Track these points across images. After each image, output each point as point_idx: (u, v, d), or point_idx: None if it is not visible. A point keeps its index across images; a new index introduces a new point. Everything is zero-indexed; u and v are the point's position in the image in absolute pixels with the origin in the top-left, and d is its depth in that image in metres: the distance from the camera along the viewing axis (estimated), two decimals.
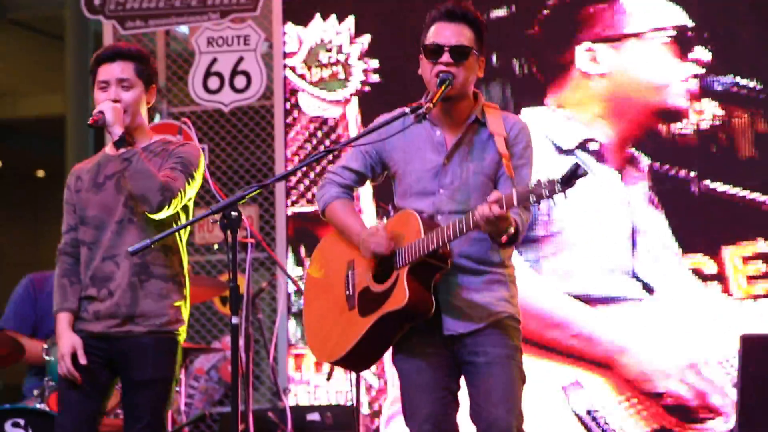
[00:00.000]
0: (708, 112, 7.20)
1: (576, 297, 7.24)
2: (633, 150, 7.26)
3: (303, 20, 7.64)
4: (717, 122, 7.18)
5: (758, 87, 7.15)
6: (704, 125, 7.18)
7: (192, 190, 4.51)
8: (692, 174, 7.18)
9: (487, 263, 4.00)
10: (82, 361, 4.46)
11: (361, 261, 4.04)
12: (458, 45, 3.96)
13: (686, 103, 7.20)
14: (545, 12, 7.54)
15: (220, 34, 7.65)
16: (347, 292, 4.06)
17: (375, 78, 7.47)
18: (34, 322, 6.07)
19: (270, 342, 6.38)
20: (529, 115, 7.37)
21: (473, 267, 3.98)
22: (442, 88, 3.90)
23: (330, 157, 6.52)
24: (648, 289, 7.18)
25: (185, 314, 4.61)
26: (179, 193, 4.42)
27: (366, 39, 7.51)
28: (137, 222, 4.48)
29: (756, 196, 7.10)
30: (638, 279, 7.22)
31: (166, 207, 4.39)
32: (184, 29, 7.96)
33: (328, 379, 6.06)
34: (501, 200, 3.65)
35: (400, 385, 4.06)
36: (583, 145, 7.28)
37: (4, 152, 17.92)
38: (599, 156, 7.25)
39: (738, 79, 7.19)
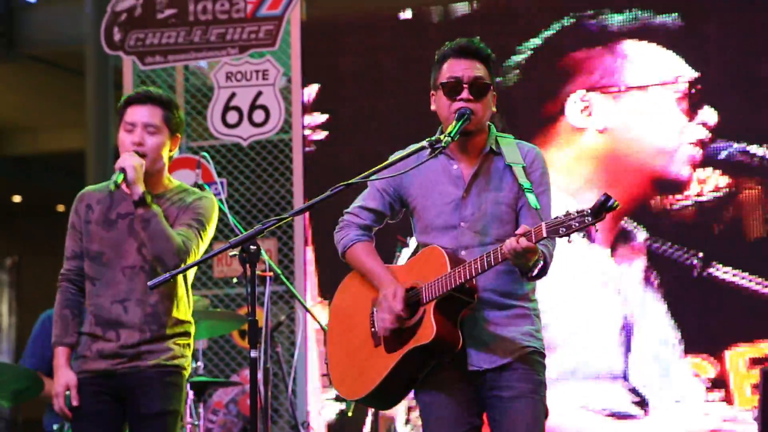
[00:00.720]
0: (712, 183, 6.54)
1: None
2: (627, 223, 6.74)
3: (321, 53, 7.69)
4: (722, 194, 6.59)
5: None
6: (708, 197, 6.58)
7: (205, 244, 4.54)
8: (694, 255, 6.56)
9: (512, 297, 3.98)
10: (75, 402, 4.44)
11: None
12: (477, 81, 3.98)
13: (689, 171, 6.64)
14: (526, 54, 7.15)
15: (238, 68, 7.69)
16: (372, 329, 4.05)
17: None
18: (50, 359, 6.08)
19: (289, 375, 6.38)
20: None
21: (498, 301, 3.96)
22: (461, 122, 3.91)
23: None
24: (643, 403, 6.56)
25: (189, 353, 4.60)
26: (193, 251, 4.44)
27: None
28: (147, 268, 4.48)
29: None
30: (633, 391, 6.54)
31: (181, 266, 4.39)
32: (203, 64, 8.01)
33: (349, 415, 6.05)
34: (529, 234, 3.66)
35: (422, 420, 4.04)
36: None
37: (25, 187, 18.02)
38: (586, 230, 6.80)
39: (748, 146, 6.61)
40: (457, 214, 4.00)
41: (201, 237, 4.51)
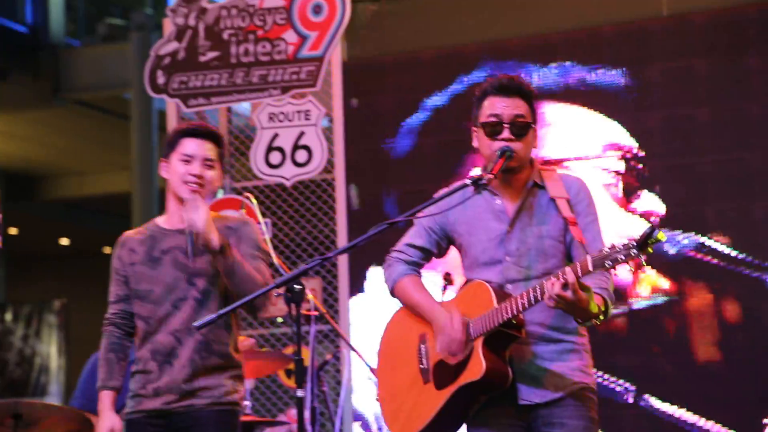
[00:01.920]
0: (655, 287, 5.58)
1: None
2: None
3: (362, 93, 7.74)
4: (664, 301, 5.68)
5: (730, 251, 5.64)
6: (644, 306, 5.64)
7: None
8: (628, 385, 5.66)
9: (561, 331, 3.96)
10: None
11: (434, 335, 4.02)
12: (517, 120, 3.97)
13: (629, 277, 5.75)
14: (424, 115, 6.69)
15: (281, 109, 7.75)
16: (421, 366, 4.05)
17: None
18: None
19: (335, 414, 6.38)
20: None
21: (547, 335, 3.95)
22: (503, 160, 3.91)
23: None
24: None
25: (242, 388, 4.61)
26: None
27: None
28: (199, 298, 4.52)
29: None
30: None
31: (267, 303, 4.45)
32: (245, 105, 8.08)
33: None
34: (567, 283, 3.63)
35: None
36: None
37: (72, 230, 18.20)
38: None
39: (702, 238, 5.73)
40: (502, 248, 4.00)
41: (268, 264, 4.56)
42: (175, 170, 4.55)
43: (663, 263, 5.56)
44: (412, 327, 4.12)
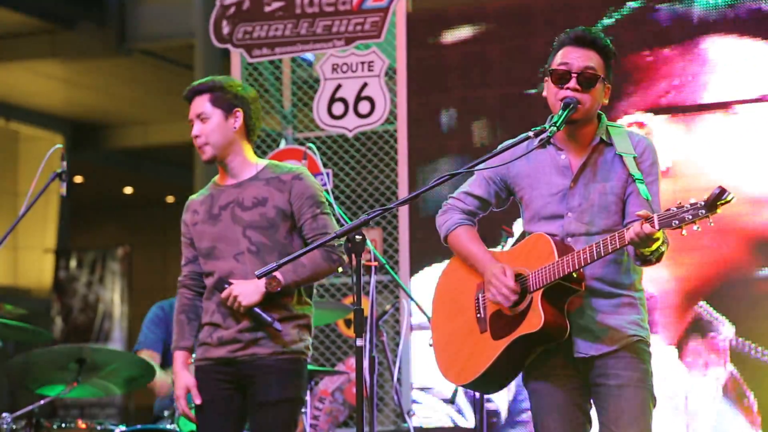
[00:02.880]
0: None
1: None
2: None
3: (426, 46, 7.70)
4: None
5: None
6: None
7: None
8: None
9: (618, 286, 3.96)
10: (197, 401, 4.54)
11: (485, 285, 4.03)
12: (586, 71, 3.94)
13: None
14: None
15: (344, 60, 7.74)
16: (478, 315, 4.06)
17: None
18: (164, 341, 6.22)
19: (394, 364, 6.41)
20: None
21: (605, 289, 3.95)
22: (566, 111, 3.89)
23: None
24: None
25: (309, 336, 4.66)
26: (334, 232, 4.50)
27: None
28: (253, 250, 4.55)
29: None
30: None
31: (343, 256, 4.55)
32: (309, 56, 8.08)
33: (452, 402, 6.06)
34: (652, 219, 3.63)
35: (531, 407, 4.05)
36: None
37: (136, 179, 18.37)
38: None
39: None
40: (564, 204, 3.98)
41: (330, 215, 4.63)
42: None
43: None
44: (469, 276, 4.12)
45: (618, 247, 3.74)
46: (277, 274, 4.46)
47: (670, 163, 5.24)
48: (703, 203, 3.51)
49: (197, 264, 4.69)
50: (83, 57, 13.73)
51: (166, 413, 5.64)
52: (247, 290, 4.47)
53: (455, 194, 4.21)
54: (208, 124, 4.63)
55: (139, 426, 5.41)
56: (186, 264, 4.73)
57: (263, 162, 4.72)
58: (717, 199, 3.47)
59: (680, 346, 4.91)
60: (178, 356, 4.65)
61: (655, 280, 5.02)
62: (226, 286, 4.49)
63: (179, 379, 4.60)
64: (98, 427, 5.58)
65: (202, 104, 4.65)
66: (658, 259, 3.82)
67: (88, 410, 14.07)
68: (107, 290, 15.49)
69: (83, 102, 15.53)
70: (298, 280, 4.52)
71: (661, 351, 4.82)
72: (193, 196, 4.81)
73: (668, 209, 3.59)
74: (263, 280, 4.44)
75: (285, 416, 4.51)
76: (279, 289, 4.48)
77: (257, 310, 4.48)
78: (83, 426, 5.59)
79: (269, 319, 4.47)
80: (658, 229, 3.60)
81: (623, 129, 4.06)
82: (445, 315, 4.20)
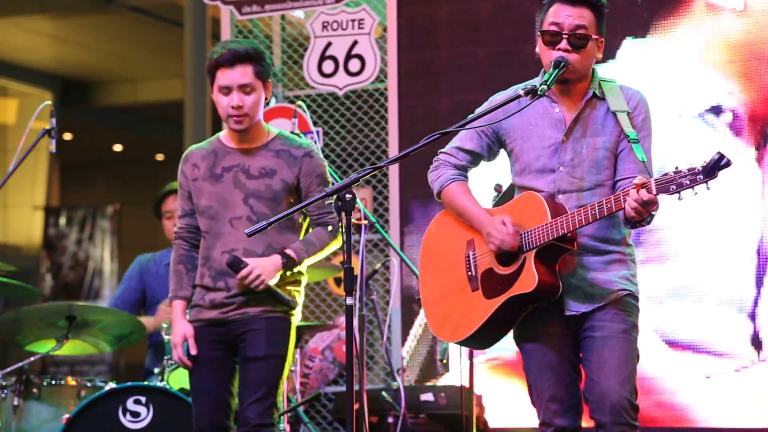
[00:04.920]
0: None
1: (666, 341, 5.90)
2: None
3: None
4: None
5: None
6: None
7: None
8: None
9: (610, 242, 3.98)
10: (193, 351, 4.59)
11: (483, 242, 4.03)
12: (578, 30, 3.92)
13: None
14: None
15: (334, 18, 7.70)
16: (469, 273, 4.07)
17: None
18: (137, 301, 6.28)
19: (384, 323, 6.43)
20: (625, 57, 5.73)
21: (596, 246, 3.96)
22: (557, 71, 3.87)
23: None
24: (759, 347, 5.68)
25: (299, 299, 4.70)
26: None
27: None
28: (253, 219, 4.56)
29: None
30: (756, 335, 5.65)
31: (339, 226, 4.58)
32: (299, 14, 8.03)
33: (442, 361, 6.09)
34: (649, 186, 3.62)
35: (524, 366, 4.08)
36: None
37: (125, 137, 18.32)
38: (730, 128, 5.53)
39: None
40: (556, 157, 3.98)
41: None
42: (218, 104, 4.60)
43: None
44: (458, 232, 4.13)
45: (614, 210, 3.75)
46: (290, 251, 4.55)
47: (743, 4, 5.29)
48: (701, 168, 3.50)
49: (194, 217, 4.70)
50: (72, 13, 13.65)
51: (156, 370, 5.67)
52: (267, 269, 4.51)
53: (446, 149, 4.20)
54: (253, 97, 4.59)
55: (129, 383, 5.42)
56: (183, 216, 4.74)
57: (274, 131, 4.71)
58: (716, 165, 3.46)
59: (758, 147, 5.17)
60: (177, 305, 4.68)
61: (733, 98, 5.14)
62: (243, 266, 4.50)
63: (177, 327, 4.64)
64: (88, 384, 5.60)
65: (247, 75, 4.57)
66: (648, 223, 3.84)
67: (78, 367, 14.09)
68: (97, 248, 15.47)
69: (72, 59, 15.45)
70: (309, 258, 4.61)
71: (743, 153, 5.10)
72: (192, 147, 4.79)
73: (665, 174, 3.58)
74: (279, 258, 4.52)
75: (272, 370, 4.56)
76: (294, 267, 4.54)
77: (275, 290, 4.52)
78: (73, 383, 5.61)
79: (286, 299, 4.53)
80: (656, 194, 3.60)
81: (616, 84, 4.05)
82: (433, 271, 4.21)
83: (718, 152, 3.46)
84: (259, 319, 4.56)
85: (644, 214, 3.69)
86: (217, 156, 4.67)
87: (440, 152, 4.21)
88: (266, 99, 4.66)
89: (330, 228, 4.65)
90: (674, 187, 3.55)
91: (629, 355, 3.94)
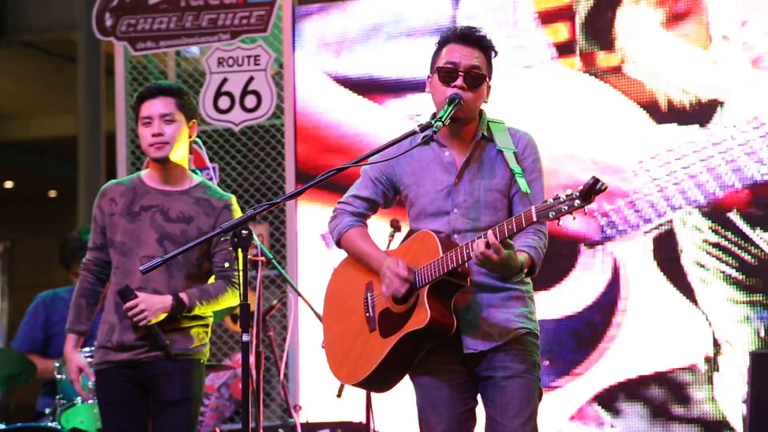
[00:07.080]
0: None
1: None
2: None
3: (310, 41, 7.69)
4: None
5: None
6: None
7: None
8: None
9: (505, 279, 3.99)
10: (91, 379, 4.58)
11: (380, 283, 4.04)
12: (473, 70, 3.97)
13: None
14: None
15: (230, 54, 7.69)
16: (367, 314, 4.07)
17: None
18: (43, 342, 6.14)
19: (281, 359, 6.40)
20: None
21: (491, 284, 3.98)
22: (451, 106, 3.92)
23: None
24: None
25: (207, 340, 4.72)
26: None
27: None
28: (170, 264, 4.54)
29: None
30: None
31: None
32: (194, 50, 8.01)
33: (338, 396, 6.08)
34: (489, 243, 3.68)
35: (417, 401, 4.07)
36: None
37: (17, 173, 17.99)
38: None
39: None
40: (449, 201, 4.02)
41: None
42: (141, 137, 4.64)
43: None
44: (358, 276, 4.14)
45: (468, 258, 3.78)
46: (183, 296, 4.54)
47: None
48: (578, 194, 3.57)
49: (104, 252, 4.70)
50: None
51: (47, 411, 5.57)
52: (154, 306, 4.48)
53: (343, 198, 4.22)
54: (174, 126, 4.63)
55: (20, 424, 5.32)
56: (93, 249, 4.74)
57: (197, 179, 4.76)
58: (591, 190, 3.53)
59: None
60: (70, 339, 4.67)
61: None
62: (132, 297, 4.47)
63: (71, 361, 4.63)
64: None
65: (169, 105, 4.64)
66: (529, 275, 3.92)
67: None
68: None
69: None
70: (202, 306, 4.59)
71: None
72: (111, 182, 4.81)
73: (545, 201, 3.64)
74: (170, 300, 4.51)
75: (188, 414, 4.58)
76: (183, 312, 4.52)
77: (156, 330, 4.48)
78: None
79: (164, 342, 4.50)
80: (536, 221, 3.65)
81: (503, 125, 4.11)
82: (335, 317, 4.21)
83: (593, 177, 3.54)
84: (171, 363, 4.56)
85: (489, 263, 3.73)
86: (136, 194, 4.67)
87: (338, 202, 4.24)
88: (190, 137, 4.68)
89: (231, 285, 4.65)
90: (553, 213, 3.61)
91: (531, 395, 3.97)
